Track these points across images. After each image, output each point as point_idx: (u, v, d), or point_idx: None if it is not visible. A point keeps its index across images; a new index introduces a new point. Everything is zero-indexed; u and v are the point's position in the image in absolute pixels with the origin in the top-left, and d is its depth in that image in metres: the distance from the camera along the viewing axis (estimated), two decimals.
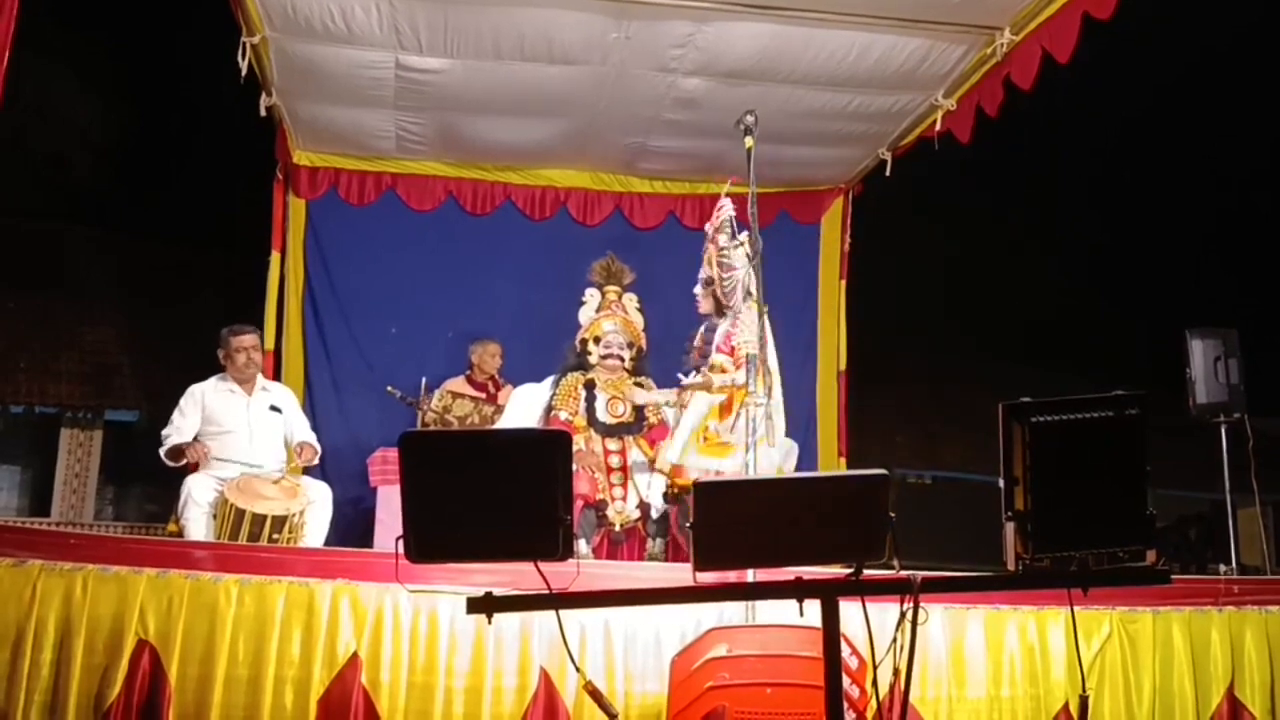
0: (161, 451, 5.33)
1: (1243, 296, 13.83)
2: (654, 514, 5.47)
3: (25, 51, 4.17)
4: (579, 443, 5.47)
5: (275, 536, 4.81)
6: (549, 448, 2.58)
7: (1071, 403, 2.53)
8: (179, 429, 5.33)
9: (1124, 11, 4.83)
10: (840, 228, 7.96)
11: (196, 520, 5.02)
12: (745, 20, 5.59)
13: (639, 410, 5.72)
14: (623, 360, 5.79)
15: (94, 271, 11.85)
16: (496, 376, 6.91)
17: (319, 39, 5.77)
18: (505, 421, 6.00)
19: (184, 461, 5.26)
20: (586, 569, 2.94)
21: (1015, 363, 13.54)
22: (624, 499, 5.51)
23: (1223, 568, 5.46)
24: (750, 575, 3.49)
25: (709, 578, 3.05)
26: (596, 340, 5.83)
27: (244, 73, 5.84)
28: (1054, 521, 2.52)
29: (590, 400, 5.71)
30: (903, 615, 2.54)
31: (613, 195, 7.74)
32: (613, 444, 5.64)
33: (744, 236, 4.97)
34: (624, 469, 5.58)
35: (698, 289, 5.27)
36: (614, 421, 5.69)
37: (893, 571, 2.56)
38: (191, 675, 3.62)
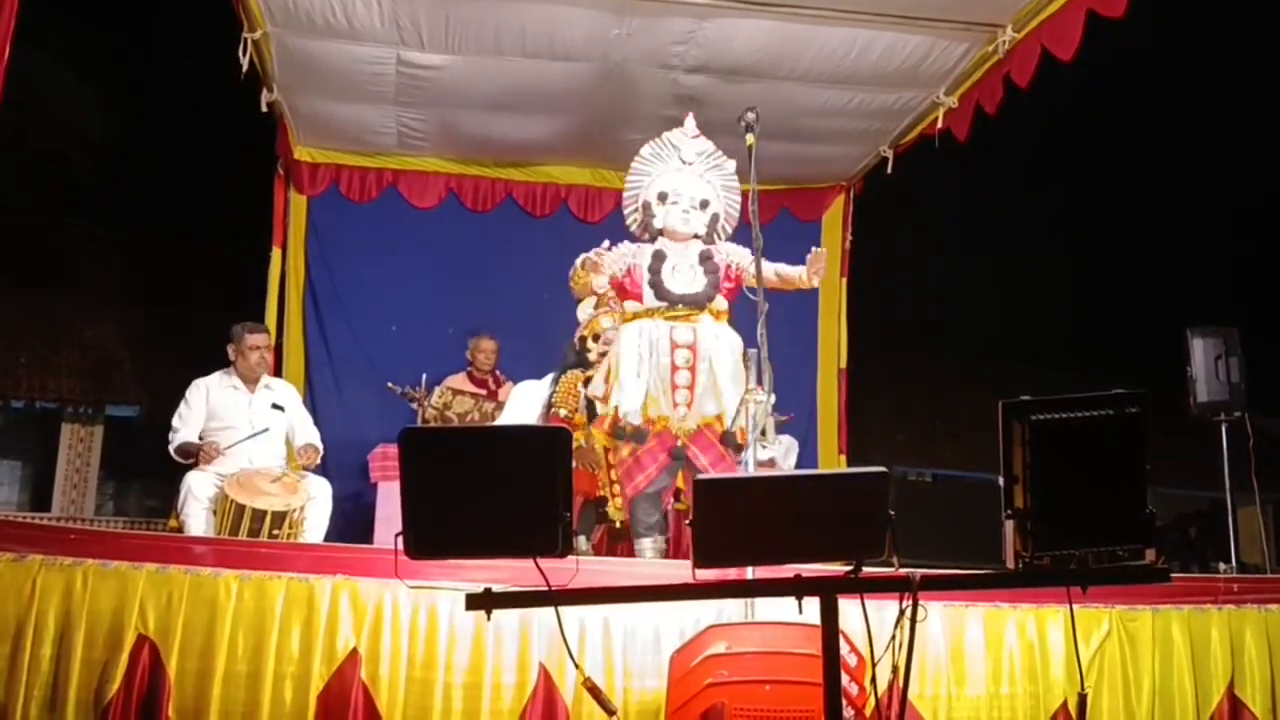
0: (170, 448, 5.32)
1: (1243, 296, 13.81)
2: None
3: (25, 51, 4.16)
4: (579, 440, 5.46)
5: (275, 532, 4.81)
6: (549, 444, 2.58)
7: (1071, 401, 2.53)
8: (187, 424, 5.33)
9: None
10: (841, 225, 7.97)
11: (196, 515, 5.02)
12: (747, 17, 5.59)
13: None
14: None
15: (95, 267, 11.83)
16: (497, 373, 6.92)
17: (320, 34, 5.78)
18: (505, 418, 6.00)
19: (193, 459, 5.25)
20: (586, 566, 2.94)
21: (1015, 362, 13.50)
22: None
23: (1222, 566, 5.45)
24: (749, 572, 3.48)
25: (708, 575, 3.05)
26: (595, 337, 5.81)
27: (245, 69, 5.84)
28: (1053, 520, 2.51)
29: (590, 398, 5.69)
30: (902, 613, 2.54)
31: (614, 192, 7.69)
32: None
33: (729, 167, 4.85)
34: None
35: (685, 207, 4.76)
36: None
37: (892, 569, 2.56)
38: (191, 670, 3.62)
